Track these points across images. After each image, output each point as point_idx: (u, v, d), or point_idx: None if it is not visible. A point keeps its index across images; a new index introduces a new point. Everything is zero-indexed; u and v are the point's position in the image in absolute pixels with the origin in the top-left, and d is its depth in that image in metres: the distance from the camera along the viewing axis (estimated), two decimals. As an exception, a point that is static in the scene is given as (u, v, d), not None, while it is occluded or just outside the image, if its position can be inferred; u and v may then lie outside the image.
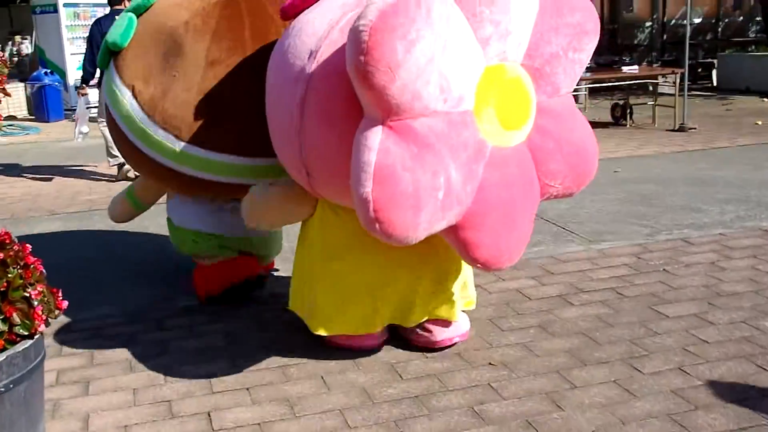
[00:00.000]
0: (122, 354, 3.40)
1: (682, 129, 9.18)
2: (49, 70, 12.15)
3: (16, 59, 13.85)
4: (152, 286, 4.29)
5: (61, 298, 2.43)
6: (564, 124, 3.00)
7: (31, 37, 13.60)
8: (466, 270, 3.35)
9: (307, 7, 2.99)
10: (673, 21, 16.32)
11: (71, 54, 12.16)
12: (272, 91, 3.02)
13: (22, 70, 13.46)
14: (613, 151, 8.04)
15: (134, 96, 3.40)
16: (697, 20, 15.23)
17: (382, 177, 2.43)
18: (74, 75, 11.80)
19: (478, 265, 2.80)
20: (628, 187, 6.28)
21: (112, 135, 3.69)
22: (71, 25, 12.26)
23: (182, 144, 3.37)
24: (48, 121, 11.83)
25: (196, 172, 3.41)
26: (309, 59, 2.79)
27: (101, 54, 3.59)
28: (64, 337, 3.61)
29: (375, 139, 2.47)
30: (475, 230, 2.72)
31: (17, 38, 14.29)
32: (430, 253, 3.09)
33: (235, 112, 3.34)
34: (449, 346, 3.35)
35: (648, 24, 16.23)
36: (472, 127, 2.64)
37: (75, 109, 12.38)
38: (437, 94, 2.49)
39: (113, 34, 3.49)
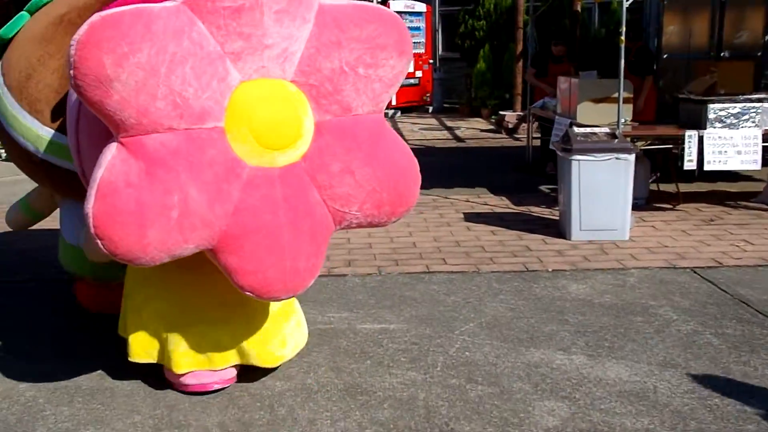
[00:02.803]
0: None
1: None
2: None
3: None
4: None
5: None
6: (359, 146, 2.88)
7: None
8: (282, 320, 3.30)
9: None
10: None
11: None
12: (68, 113, 3.10)
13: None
14: None
15: (5, 83, 3.48)
16: None
17: (103, 193, 2.46)
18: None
19: (246, 292, 2.73)
20: None
21: None
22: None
23: (46, 129, 3.38)
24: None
25: (61, 162, 3.36)
26: None
27: None
28: None
29: (107, 155, 2.52)
30: (234, 255, 2.68)
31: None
32: (235, 297, 2.99)
33: None
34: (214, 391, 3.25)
35: None
36: (221, 145, 2.62)
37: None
38: (169, 110, 2.51)
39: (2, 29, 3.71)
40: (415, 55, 13.85)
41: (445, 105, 14.58)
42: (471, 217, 6.33)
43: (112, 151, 2.53)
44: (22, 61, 3.47)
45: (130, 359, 3.24)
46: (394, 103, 13.54)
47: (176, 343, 3.15)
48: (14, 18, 3.72)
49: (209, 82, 2.57)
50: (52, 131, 3.38)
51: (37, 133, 3.40)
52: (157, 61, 2.47)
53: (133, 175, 2.49)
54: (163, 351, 3.18)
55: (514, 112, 11.37)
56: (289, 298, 2.93)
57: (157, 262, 2.60)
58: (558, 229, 5.85)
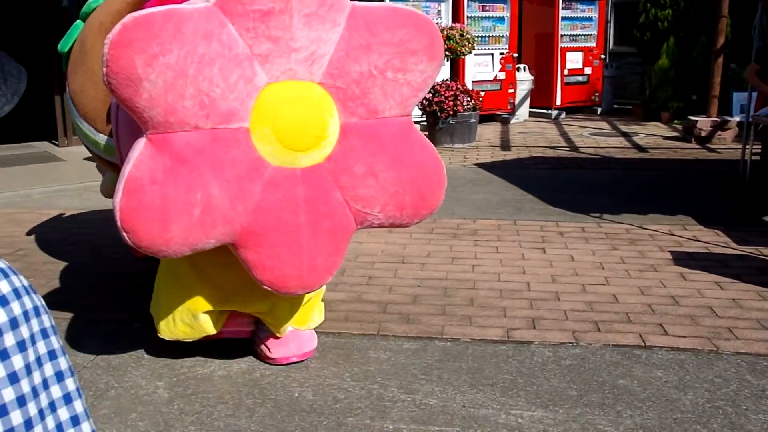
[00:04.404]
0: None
1: None
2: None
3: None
4: None
5: None
6: (383, 149, 2.97)
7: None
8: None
9: None
10: None
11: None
12: (112, 104, 3.43)
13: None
14: None
15: (70, 95, 3.75)
16: None
17: (130, 189, 2.63)
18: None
19: (265, 286, 2.91)
20: None
21: None
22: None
23: (101, 136, 3.61)
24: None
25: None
26: None
27: (64, 64, 3.99)
28: None
29: (136, 151, 2.69)
30: (253, 251, 2.83)
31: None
32: None
33: None
34: (288, 364, 3.48)
35: None
36: (246, 145, 2.75)
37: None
38: (196, 109, 2.65)
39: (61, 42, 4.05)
40: (584, 49, 12.35)
41: (615, 106, 12.91)
42: (682, 259, 4.93)
43: (140, 147, 2.70)
44: (75, 74, 3.67)
45: (159, 335, 3.42)
46: (558, 102, 12.05)
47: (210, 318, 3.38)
48: (70, 29, 3.82)
49: (236, 83, 2.70)
50: (107, 137, 3.59)
51: (96, 140, 3.62)
52: (186, 62, 2.61)
53: (159, 172, 2.65)
54: (202, 324, 3.37)
55: (708, 117, 9.61)
56: (306, 293, 3.09)
57: (179, 255, 2.78)
58: (817, 287, 4.32)
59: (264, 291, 3.12)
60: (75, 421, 0.76)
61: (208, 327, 3.40)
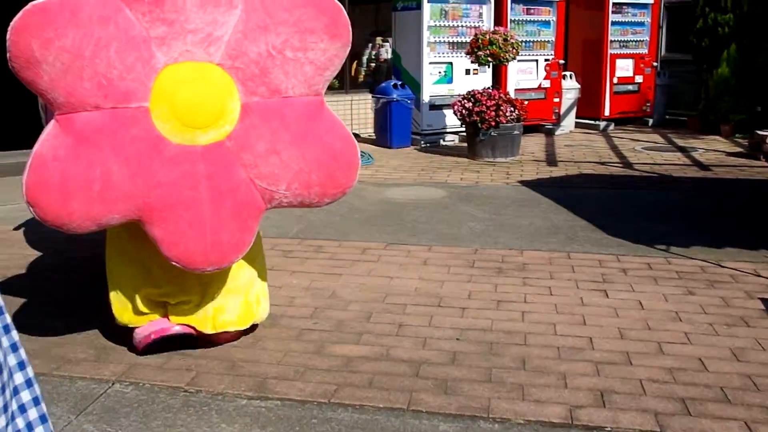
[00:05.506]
0: None
1: None
2: (400, 82, 9.70)
3: (373, 65, 11.86)
4: None
5: None
6: (286, 128, 3.04)
7: (393, 39, 11.54)
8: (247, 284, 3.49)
9: None
10: None
11: (430, 63, 9.59)
12: None
13: (377, 79, 11.46)
14: None
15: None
16: None
17: (34, 165, 2.77)
18: (430, 90, 9.26)
19: (173, 262, 3.01)
20: None
21: None
22: (435, 26, 9.73)
23: None
24: (391, 147, 9.43)
25: None
26: None
27: None
28: None
29: (46, 130, 2.85)
30: (159, 227, 2.93)
31: (378, 40, 12.45)
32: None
33: None
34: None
35: None
36: (145, 124, 2.86)
37: (428, 134, 9.90)
38: (95, 90, 2.79)
39: None
40: (635, 56, 11.41)
41: (667, 117, 11.92)
42: (774, 307, 4.01)
43: (49, 127, 2.86)
44: None
45: (116, 322, 3.47)
46: (607, 113, 11.12)
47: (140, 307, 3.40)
48: None
49: (133, 64, 2.82)
50: None
51: None
52: (82, 45, 2.75)
53: (61, 150, 2.80)
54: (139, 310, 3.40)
55: (777, 131, 8.64)
56: (215, 270, 3.11)
57: (85, 230, 2.90)
58: None
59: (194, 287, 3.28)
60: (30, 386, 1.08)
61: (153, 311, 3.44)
